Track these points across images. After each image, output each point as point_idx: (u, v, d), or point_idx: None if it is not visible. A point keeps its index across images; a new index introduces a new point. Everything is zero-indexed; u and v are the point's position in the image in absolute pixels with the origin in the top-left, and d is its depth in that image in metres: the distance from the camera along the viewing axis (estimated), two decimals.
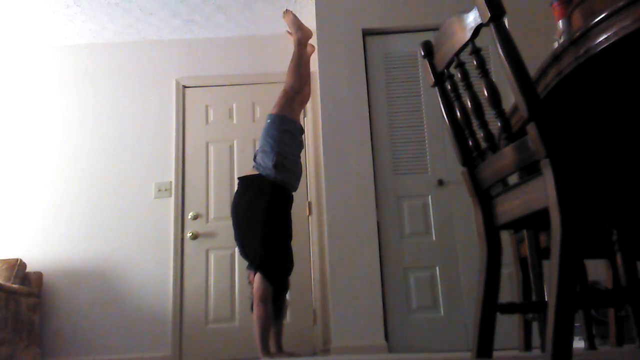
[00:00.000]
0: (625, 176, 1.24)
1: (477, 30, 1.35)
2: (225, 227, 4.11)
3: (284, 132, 3.18)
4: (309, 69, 3.52)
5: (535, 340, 3.06)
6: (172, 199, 4.33)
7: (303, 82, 3.32)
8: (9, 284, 3.69)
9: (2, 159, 4.47)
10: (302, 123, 4.24)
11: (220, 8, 4.32)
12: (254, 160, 3.23)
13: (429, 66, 1.62)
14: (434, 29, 3.93)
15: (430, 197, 3.76)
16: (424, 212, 3.75)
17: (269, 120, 3.23)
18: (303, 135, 3.38)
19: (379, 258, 3.62)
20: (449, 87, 1.57)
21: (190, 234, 4.26)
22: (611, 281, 2.36)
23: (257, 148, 3.35)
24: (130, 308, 4.13)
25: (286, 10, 3.52)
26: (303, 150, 3.38)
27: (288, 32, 3.55)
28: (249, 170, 3.26)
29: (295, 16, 3.47)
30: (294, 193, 3.25)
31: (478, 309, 1.46)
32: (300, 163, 3.30)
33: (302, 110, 4.34)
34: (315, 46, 3.92)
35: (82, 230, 4.29)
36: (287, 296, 3.22)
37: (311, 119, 4.39)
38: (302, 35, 3.39)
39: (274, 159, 3.09)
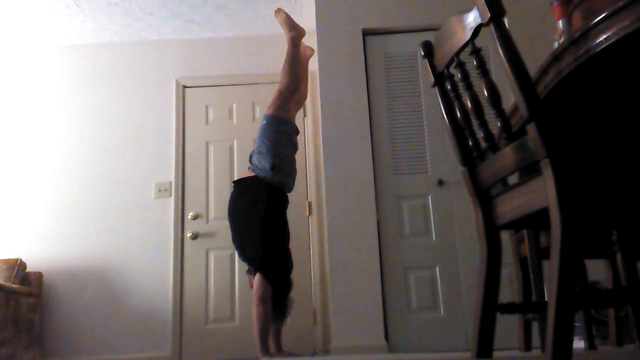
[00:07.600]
0: (625, 176, 1.24)
1: (477, 30, 1.35)
2: (225, 227, 4.10)
3: (281, 134, 3.17)
4: (306, 68, 3.51)
5: (535, 340, 3.06)
6: (172, 199, 4.33)
7: (298, 81, 3.29)
8: (9, 284, 3.69)
9: (2, 159, 4.47)
10: (302, 123, 4.25)
11: (220, 8, 4.32)
12: (250, 162, 3.22)
13: (429, 66, 1.62)
14: (434, 29, 3.93)
15: (430, 197, 3.76)
16: (424, 212, 3.75)
17: (264, 122, 3.21)
18: (297, 136, 3.36)
19: (379, 258, 3.62)
20: (449, 87, 1.57)
21: (190, 234, 4.26)
22: (611, 281, 2.36)
23: None
24: (130, 308, 4.13)
25: (278, 9, 3.48)
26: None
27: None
28: (245, 172, 3.26)
29: (287, 15, 3.43)
30: (289, 194, 3.24)
31: (478, 309, 1.46)
32: (295, 164, 3.29)
33: (302, 110, 4.34)
34: (316, 46, 3.92)
35: (82, 230, 4.29)
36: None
37: (311, 119, 4.39)
38: (295, 34, 3.36)
39: (271, 160, 3.08)
